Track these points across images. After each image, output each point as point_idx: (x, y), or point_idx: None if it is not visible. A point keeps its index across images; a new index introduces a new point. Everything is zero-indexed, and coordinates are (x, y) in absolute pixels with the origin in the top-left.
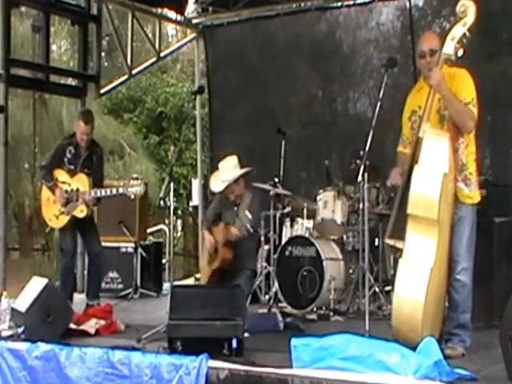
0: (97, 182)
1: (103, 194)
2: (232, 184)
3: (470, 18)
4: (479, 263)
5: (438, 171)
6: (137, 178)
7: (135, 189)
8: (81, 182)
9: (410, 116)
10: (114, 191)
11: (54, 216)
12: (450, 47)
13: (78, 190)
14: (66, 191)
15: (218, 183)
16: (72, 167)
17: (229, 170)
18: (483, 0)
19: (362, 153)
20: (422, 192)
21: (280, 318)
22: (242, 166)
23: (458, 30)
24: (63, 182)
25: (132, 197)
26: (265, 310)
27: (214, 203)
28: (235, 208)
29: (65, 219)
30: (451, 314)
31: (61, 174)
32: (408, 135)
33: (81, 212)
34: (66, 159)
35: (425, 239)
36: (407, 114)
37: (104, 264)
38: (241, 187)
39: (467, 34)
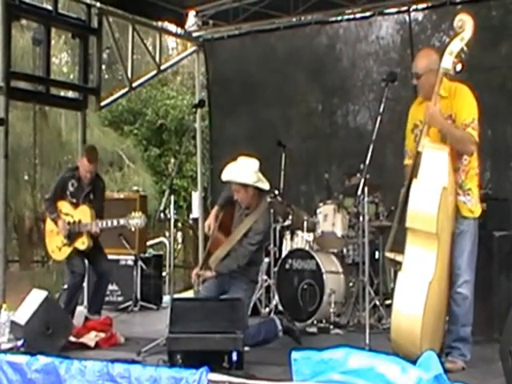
0: (98, 214)
1: (104, 225)
2: (239, 186)
3: (468, 33)
4: (479, 277)
5: (437, 185)
6: (138, 211)
7: (135, 221)
8: (83, 213)
9: (412, 129)
10: (115, 223)
11: (57, 248)
12: (447, 62)
13: (80, 221)
14: (69, 223)
15: (227, 172)
16: (74, 200)
17: (244, 169)
18: (483, 14)
19: (362, 166)
20: (420, 206)
21: (279, 323)
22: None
23: (456, 45)
24: (66, 214)
25: (132, 229)
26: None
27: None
28: (244, 216)
29: (67, 251)
30: (451, 327)
31: (64, 206)
32: (411, 147)
33: (82, 244)
34: (68, 192)
35: (424, 252)
36: (410, 126)
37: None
38: (248, 196)
39: (465, 48)
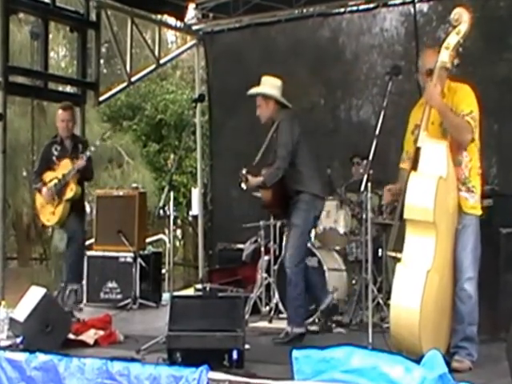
0: (87, 175)
1: (80, 164)
2: (260, 99)
3: (464, 26)
4: (485, 275)
5: (433, 175)
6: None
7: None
8: (64, 167)
9: (413, 130)
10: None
11: (50, 213)
12: (445, 55)
13: (63, 175)
14: (55, 184)
15: (251, 89)
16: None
17: (266, 83)
18: (489, 6)
19: (365, 162)
20: (416, 196)
21: None
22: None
23: (453, 38)
24: (51, 180)
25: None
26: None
27: None
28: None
29: (60, 209)
30: (458, 326)
31: (48, 175)
32: (410, 150)
33: (70, 191)
34: (53, 157)
35: (422, 243)
36: (411, 127)
37: (84, 250)
38: (269, 110)
39: (462, 41)
